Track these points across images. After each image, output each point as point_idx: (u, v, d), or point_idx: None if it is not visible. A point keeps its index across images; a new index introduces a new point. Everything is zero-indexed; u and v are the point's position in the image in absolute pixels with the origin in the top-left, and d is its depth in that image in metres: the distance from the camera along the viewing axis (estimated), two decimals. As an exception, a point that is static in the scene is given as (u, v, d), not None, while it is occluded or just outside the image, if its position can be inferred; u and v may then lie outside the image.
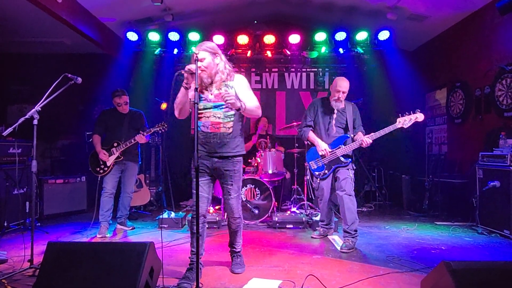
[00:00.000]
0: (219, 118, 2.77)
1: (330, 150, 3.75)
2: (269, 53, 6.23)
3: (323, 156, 3.80)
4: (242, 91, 2.82)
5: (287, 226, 4.57)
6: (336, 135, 3.81)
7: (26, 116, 2.95)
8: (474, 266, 2.09)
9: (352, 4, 5.68)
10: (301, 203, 5.28)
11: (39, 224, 4.63)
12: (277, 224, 4.55)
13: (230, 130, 2.80)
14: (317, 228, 4.25)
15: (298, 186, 5.46)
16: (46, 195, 5.12)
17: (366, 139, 3.56)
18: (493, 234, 4.16)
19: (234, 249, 3.08)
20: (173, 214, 4.64)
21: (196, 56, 2.52)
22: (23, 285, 2.63)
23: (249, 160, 5.20)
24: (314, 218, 4.51)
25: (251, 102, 2.78)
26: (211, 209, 5.16)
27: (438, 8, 5.30)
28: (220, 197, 5.13)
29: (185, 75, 2.64)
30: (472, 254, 3.53)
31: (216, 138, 2.77)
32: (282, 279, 2.76)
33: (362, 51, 6.12)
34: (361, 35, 5.92)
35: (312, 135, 3.90)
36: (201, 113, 2.80)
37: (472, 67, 5.33)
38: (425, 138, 6.63)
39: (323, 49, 6.13)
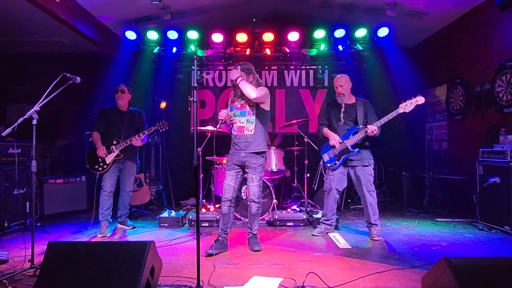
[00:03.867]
0: (242, 123, 3.50)
1: (340, 141, 3.94)
2: (268, 51, 6.21)
3: (334, 147, 3.98)
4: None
5: (288, 224, 4.57)
6: (346, 128, 3.98)
7: (25, 116, 2.95)
8: (474, 263, 2.09)
9: (351, 0, 5.66)
10: (301, 200, 5.28)
11: (39, 224, 4.63)
12: (278, 222, 4.56)
13: (252, 132, 3.47)
14: (317, 225, 4.26)
15: (298, 184, 5.46)
16: (46, 195, 5.12)
17: (370, 126, 3.73)
18: (494, 230, 4.16)
19: (252, 231, 3.61)
20: (173, 213, 4.64)
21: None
22: (24, 285, 2.63)
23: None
24: (315, 216, 4.51)
25: (251, 87, 3.42)
26: (212, 208, 5.16)
27: (437, 4, 5.28)
28: (220, 195, 5.13)
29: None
30: (472, 251, 3.52)
31: (242, 139, 3.49)
32: (282, 276, 2.76)
33: (361, 48, 6.10)
34: (360, 32, 5.90)
35: (326, 130, 4.12)
36: (232, 120, 3.58)
37: (472, 63, 5.32)
38: (425, 135, 6.62)
39: (322, 47, 6.11)
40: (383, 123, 3.75)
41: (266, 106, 3.59)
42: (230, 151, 3.61)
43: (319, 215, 4.51)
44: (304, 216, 4.60)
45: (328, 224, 4.16)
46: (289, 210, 5.06)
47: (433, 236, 4.06)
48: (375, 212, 3.95)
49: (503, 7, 4.34)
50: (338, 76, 4.11)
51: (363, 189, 3.93)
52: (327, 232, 4.16)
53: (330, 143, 4.01)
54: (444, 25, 5.92)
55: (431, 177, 5.59)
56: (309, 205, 5.19)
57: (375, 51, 6.25)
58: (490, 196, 4.23)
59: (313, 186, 5.07)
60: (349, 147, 3.88)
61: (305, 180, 5.10)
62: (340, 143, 3.94)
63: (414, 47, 6.98)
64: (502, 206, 4.04)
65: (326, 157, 4.10)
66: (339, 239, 3.92)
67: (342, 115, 4.01)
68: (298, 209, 5.09)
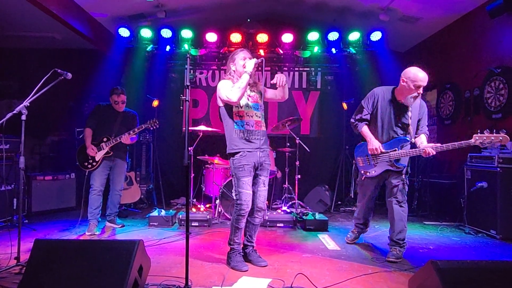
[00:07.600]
0: (259, 117, 3.11)
1: (383, 150, 3.31)
2: (262, 52, 6.21)
3: (374, 156, 3.37)
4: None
5: (278, 225, 4.57)
6: (394, 135, 3.33)
7: (14, 112, 2.90)
8: (460, 266, 2.12)
9: (345, 4, 5.70)
10: (292, 202, 5.30)
11: (26, 221, 4.56)
12: (268, 223, 4.56)
13: (265, 129, 3.17)
14: (351, 230, 3.87)
15: (289, 185, 5.47)
16: (34, 192, 5.05)
17: (429, 150, 3.06)
18: (480, 234, 4.23)
19: (252, 243, 3.24)
20: (163, 212, 4.61)
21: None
22: (9, 283, 2.59)
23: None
24: (305, 217, 4.53)
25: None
26: (202, 207, 5.15)
27: (429, 10, 5.35)
28: (211, 195, 5.13)
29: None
30: (459, 254, 3.58)
31: (260, 135, 3.07)
32: (271, 277, 2.77)
33: (354, 52, 6.14)
34: (354, 36, 5.95)
35: (366, 130, 3.42)
36: (242, 112, 3.04)
37: (462, 69, 5.40)
38: (415, 138, 6.68)
39: (316, 49, 6.15)
40: (445, 149, 3.03)
41: None
42: (241, 153, 2.99)
43: (309, 217, 4.53)
44: (294, 218, 4.61)
45: (362, 227, 3.77)
46: (279, 211, 5.07)
47: (420, 239, 4.10)
48: (402, 229, 3.30)
49: (493, 14, 4.42)
50: (420, 70, 3.35)
51: (394, 199, 3.33)
52: (360, 236, 3.86)
53: (369, 151, 3.37)
54: (436, 31, 6.00)
55: (420, 180, 5.65)
56: (300, 207, 5.21)
57: (368, 54, 6.30)
58: (477, 200, 4.30)
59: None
60: (395, 162, 3.26)
61: (296, 181, 5.12)
62: (382, 152, 3.28)
63: (406, 52, 7.06)
64: (488, 211, 4.11)
65: (361, 161, 3.51)
66: (328, 241, 3.95)
67: (392, 116, 3.29)
68: (288, 210, 5.10)
